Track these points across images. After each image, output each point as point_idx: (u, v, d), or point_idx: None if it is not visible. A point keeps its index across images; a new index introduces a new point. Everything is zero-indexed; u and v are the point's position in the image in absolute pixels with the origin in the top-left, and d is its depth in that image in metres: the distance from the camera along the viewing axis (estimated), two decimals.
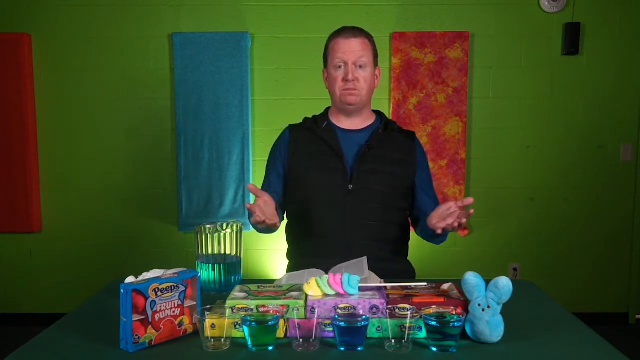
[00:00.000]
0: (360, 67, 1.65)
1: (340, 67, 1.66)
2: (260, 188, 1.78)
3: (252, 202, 1.51)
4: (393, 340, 1.08)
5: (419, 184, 1.74)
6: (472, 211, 1.46)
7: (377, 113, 1.81)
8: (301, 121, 1.80)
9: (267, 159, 1.83)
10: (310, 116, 1.80)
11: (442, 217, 1.47)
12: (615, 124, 3.33)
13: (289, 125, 1.80)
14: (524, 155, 3.35)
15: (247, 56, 3.21)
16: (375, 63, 1.71)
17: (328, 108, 1.80)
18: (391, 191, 1.68)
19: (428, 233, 1.62)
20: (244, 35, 3.21)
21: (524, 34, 3.27)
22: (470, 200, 1.42)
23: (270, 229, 1.54)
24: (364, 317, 1.09)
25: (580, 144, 3.34)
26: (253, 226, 1.57)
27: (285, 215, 1.79)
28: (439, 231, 1.48)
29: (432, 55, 3.23)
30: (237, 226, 1.46)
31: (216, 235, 1.44)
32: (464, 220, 1.45)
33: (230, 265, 1.43)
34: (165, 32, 3.27)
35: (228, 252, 1.45)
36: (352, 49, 1.64)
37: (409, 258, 1.80)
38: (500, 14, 3.26)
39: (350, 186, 1.64)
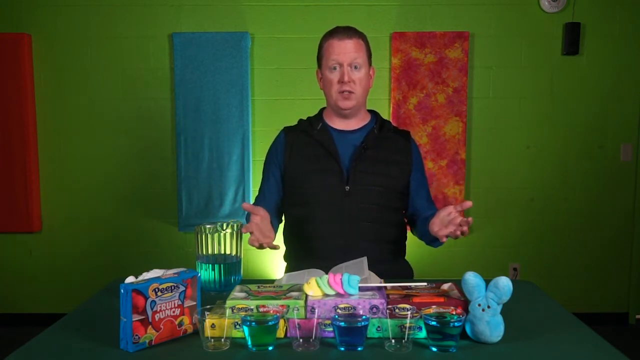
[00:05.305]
0: (356, 67, 1.65)
1: (335, 68, 1.65)
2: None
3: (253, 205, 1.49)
4: (393, 340, 1.08)
5: (414, 184, 1.74)
6: (470, 219, 1.44)
7: (372, 113, 1.80)
8: (296, 123, 1.79)
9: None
10: (305, 118, 1.79)
11: (443, 223, 1.47)
12: (615, 124, 3.33)
13: (284, 127, 1.79)
14: (524, 155, 3.35)
15: (247, 56, 3.21)
16: (370, 62, 1.71)
17: (323, 108, 1.80)
18: (387, 191, 1.67)
19: (429, 237, 1.61)
20: (243, 35, 3.21)
21: (524, 34, 3.27)
22: (469, 203, 1.42)
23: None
24: (364, 317, 1.09)
25: (580, 144, 3.34)
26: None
27: (283, 218, 1.79)
28: (443, 240, 1.50)
29: (432, 55, 3.23)
30: (237, 226, 1.46)
31: (216, 235, 1.44)
32: (465, 229, 1.43)
33: (230, 265, 1.43)
34: (165, 32, 3.27)
35: (228, 252, 1.45)
36: (346, 51, 1.63)
37: (407, 258, 1.80)
38: (500, 14, 3.26)
39: (347, 187, 1.63)
